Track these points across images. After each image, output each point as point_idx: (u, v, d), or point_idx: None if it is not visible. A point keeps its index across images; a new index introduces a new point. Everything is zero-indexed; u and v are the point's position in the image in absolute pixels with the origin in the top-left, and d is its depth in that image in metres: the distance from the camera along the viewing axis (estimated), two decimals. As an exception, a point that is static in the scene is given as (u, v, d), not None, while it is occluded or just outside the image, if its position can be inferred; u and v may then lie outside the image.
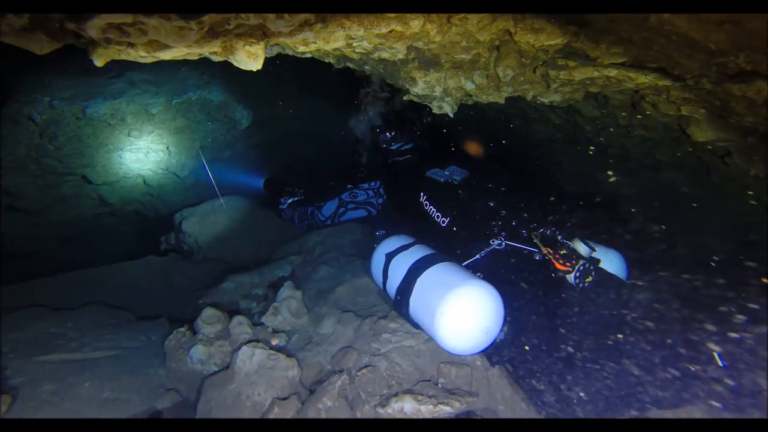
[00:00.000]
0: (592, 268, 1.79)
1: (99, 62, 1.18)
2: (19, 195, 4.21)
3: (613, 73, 1.57)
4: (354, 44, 1.47)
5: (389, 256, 2.03)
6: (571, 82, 1.80)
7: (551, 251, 1.81)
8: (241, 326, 2.22)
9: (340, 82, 3.11)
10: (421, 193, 2.27)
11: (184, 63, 3.86)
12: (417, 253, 1.92)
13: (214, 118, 4.59)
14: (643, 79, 1.52)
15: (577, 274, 1.78)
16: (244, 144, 5.07)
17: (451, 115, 2.33)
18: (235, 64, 1.25)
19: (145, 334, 2.56)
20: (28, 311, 2.69)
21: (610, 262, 1.95)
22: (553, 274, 1.83)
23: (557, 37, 1.51)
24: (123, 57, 1.14)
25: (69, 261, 4.36)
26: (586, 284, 1.80)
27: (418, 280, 1.78)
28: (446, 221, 2.14)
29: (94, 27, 0.92)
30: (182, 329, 2.28)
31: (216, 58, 1.27)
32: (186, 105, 4.31)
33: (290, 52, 2.27)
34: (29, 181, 4.19)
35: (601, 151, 3.50)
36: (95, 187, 4.51)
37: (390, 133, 2.79)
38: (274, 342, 2.21)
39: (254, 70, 1.26)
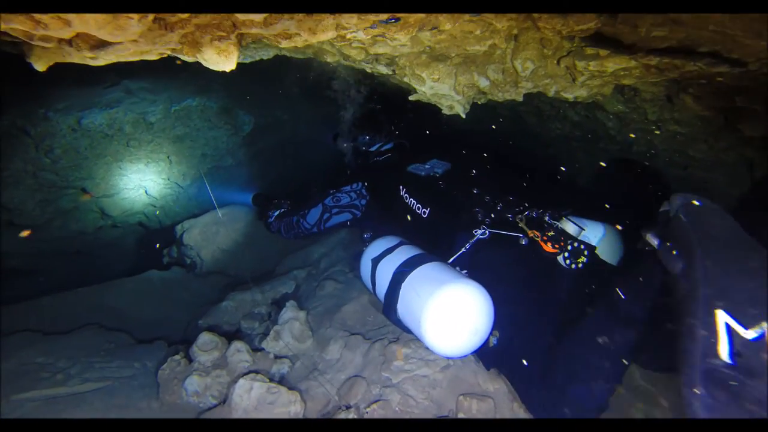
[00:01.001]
0: (582, 247, 1.71)
1: (39, 66, 0.99)
2: (17, 210, 4.09)
3: (653, 61, 1.34)
4: (348, 36, 1.25)
5: (375, 261, 1.98)
6: (601, 74, 1.57)
7: (538, 234, 1.74)
8: (239, 353, 2.03)
9: (344, 84, 3.03)
10: (401, 187, 2.22)
11: (183, 68, 3.71)
12: (401, 255, 1.89)
13: (215, 125, 4.43)
14: (692, 66, 1.30)
15: (566, 254, 1.71)
16: (247, 151, 4.91)
17: (463, 116, 2.11)
18: (205, 64, 1.05)
19: (140, 360, 2.38)
20: (18, 337, 2.54)
21: (602, 234, 1.83)
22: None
23: (590, 19, 1.29)
24: (67, 59, 0.95)
25: (72, 276, 4.24)
26: (580, 265, 1.71)
27: (403, 285, 1.76)
28: (427, 212, 2.07)
29: (-16, 17, 0.73)
30: (177, 357, 2.10)
31: (186, 58, 1.08)
32: (185, 112, 4.16)
33: (286, 53, 2.09)
34: (27, 195, 4.07)
35: (624, 148, 3.25)
36: (96, 199, 4.38)
37: (367, 136, 2.74)
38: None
39: (227, 70, 1.06)
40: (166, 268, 3.94)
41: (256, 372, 1.89)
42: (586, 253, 1.71)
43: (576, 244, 1.70)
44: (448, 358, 1.76)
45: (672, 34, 1.25)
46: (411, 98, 2.12)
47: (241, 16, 0.90)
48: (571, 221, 1.78)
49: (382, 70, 1.94)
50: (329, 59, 1.98)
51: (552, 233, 1.72)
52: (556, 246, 1.70)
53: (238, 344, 2.06)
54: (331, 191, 2.56)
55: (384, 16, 1.09)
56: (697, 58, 1.28)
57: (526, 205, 1.90)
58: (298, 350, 2.15)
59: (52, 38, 0.83)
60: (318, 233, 2.64)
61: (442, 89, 1.85)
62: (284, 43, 1.09)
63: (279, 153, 5.15)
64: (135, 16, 0.77)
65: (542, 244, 1.72)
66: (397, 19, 1.19)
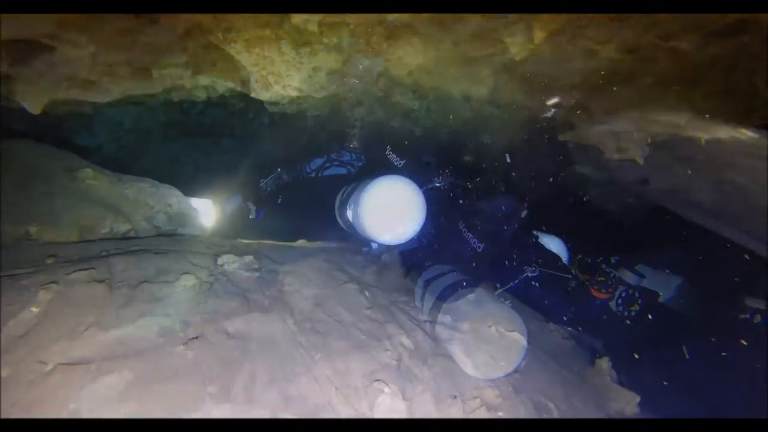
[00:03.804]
0: (637, 295, 1.69)
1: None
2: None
3: None
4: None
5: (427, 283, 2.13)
6: None
7: (588, 278, 1.77)
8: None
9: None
10: (460, 221, 2.35)
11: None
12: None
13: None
14: None
15: (619, 300, 1.69)
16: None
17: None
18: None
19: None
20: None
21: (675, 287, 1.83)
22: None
23: None
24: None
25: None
26: (632, 313, 1.69)
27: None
28: (482, 246, 2.17)
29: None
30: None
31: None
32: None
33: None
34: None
35: None
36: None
37: (439, 175, 2.84)
38: None
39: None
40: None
41: None
42: (640, 301, 1.66)
43: (632, 291, 1.67)
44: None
45: None
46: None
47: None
48: (630, 270, 1.74)
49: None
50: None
51: (602, 279, 1.73)
52: (603, 291, 1.70)
53: None
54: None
55: None
56: None
57: (583, 250, 1.93)
58: None
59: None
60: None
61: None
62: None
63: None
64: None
65: (591, 289, 1.74)
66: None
